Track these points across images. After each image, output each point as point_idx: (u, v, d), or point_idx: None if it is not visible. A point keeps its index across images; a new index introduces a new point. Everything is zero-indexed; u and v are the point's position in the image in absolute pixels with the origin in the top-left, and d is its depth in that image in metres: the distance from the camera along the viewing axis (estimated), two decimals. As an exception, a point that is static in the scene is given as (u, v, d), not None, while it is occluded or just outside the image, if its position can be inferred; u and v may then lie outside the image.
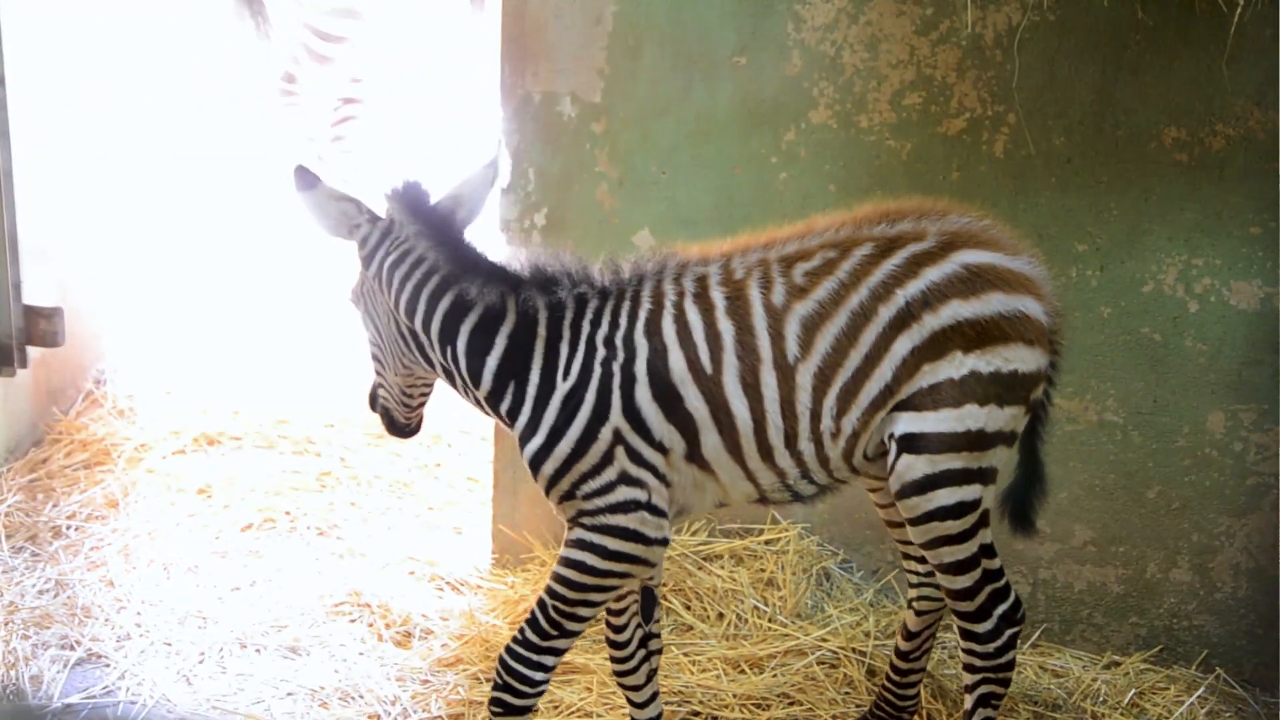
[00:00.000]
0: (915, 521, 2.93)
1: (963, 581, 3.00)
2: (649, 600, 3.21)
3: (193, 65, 7.00)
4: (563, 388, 2.88)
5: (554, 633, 2.96)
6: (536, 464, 2.91)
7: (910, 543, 3.11)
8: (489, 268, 2.93)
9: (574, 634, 2.99)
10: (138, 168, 6.03)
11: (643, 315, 2.88)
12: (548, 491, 2.95)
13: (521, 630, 2.99)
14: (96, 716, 3.52)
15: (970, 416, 2.84)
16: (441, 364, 2.99)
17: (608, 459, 2.87)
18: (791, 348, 2.83)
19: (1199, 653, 3.96)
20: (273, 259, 6.84)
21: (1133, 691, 3.79)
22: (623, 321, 2.89)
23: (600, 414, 2.86)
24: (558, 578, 2.93)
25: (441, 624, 4.01)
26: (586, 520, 2.90)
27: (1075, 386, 3.88)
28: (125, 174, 5.86)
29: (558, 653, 3.00)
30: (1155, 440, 3.88)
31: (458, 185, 3.05)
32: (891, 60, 3.80)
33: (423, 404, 3.23)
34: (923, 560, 3.18)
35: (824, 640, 3.84)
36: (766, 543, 4.15)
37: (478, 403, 3.01)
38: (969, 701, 3.13)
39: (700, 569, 4.08)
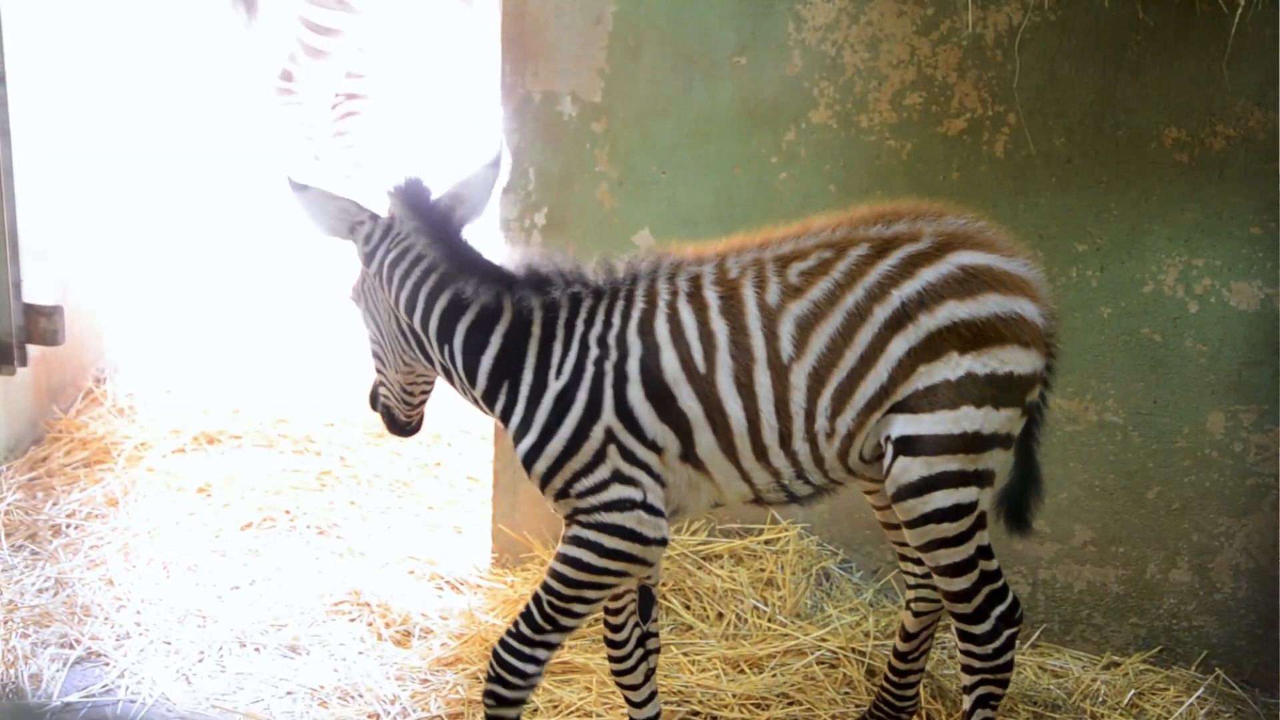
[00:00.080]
0: (912, 524, 2.93)
1: (960, 583, 2.99)
2: (647, 600, 3.21)
3: (192, 65, 6.99)
4: (555, 386, 2.88)
5: (547, 627, 2.97)
6: (529, 462, 2.92)
7: (907, 544, 3.11)
8: (485, 267, 2.94)
9: (567, 629, 2.99)
10: (138, 167, 6.03)
11: (636, 314, 2.89)
12: (542, 489, 2.95)
13: (516, 623, 3.00)
14: (96, 715, 3.52)
15: (966, 418, 2.83)
16: (440, 362, 3.00)
17: (600, 457, 2.87)
18: (786, 347, 2.83)
19: (1199, 653, 3.96)
20: (272, 258, 6.84)
21: (1132, 692, 3.79)
22: (616, 320, 2.89)
23: (592, 412, 2.86)
24: (554, 573, 2.94)
25: (441, 623, 4.01)
26: (583, 518, 2.91)
27: (1075, 387, 3.88)
28: (125, 173, 5.86)
29: (551, 646, 3.01)
30: (1155, 441, 3.88)
31: (459, 184, 3.05)
32: (892, 60, 3.80)
33: (424, 402, 3.24)
34: (920, 561, 3.18)
35: (823, 640, 3.84)
36: (766, 542, 4.15)
37: (475, 401, 3.01)
38: (967, 702, 3.13)
39: (700, 569, 4.08)
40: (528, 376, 2.90)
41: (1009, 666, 3.10)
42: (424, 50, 7.75)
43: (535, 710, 3.59)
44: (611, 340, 2.88)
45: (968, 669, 3.10)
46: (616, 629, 3.20)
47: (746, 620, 3.94)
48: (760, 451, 2.88)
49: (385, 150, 7.59)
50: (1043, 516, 3.95)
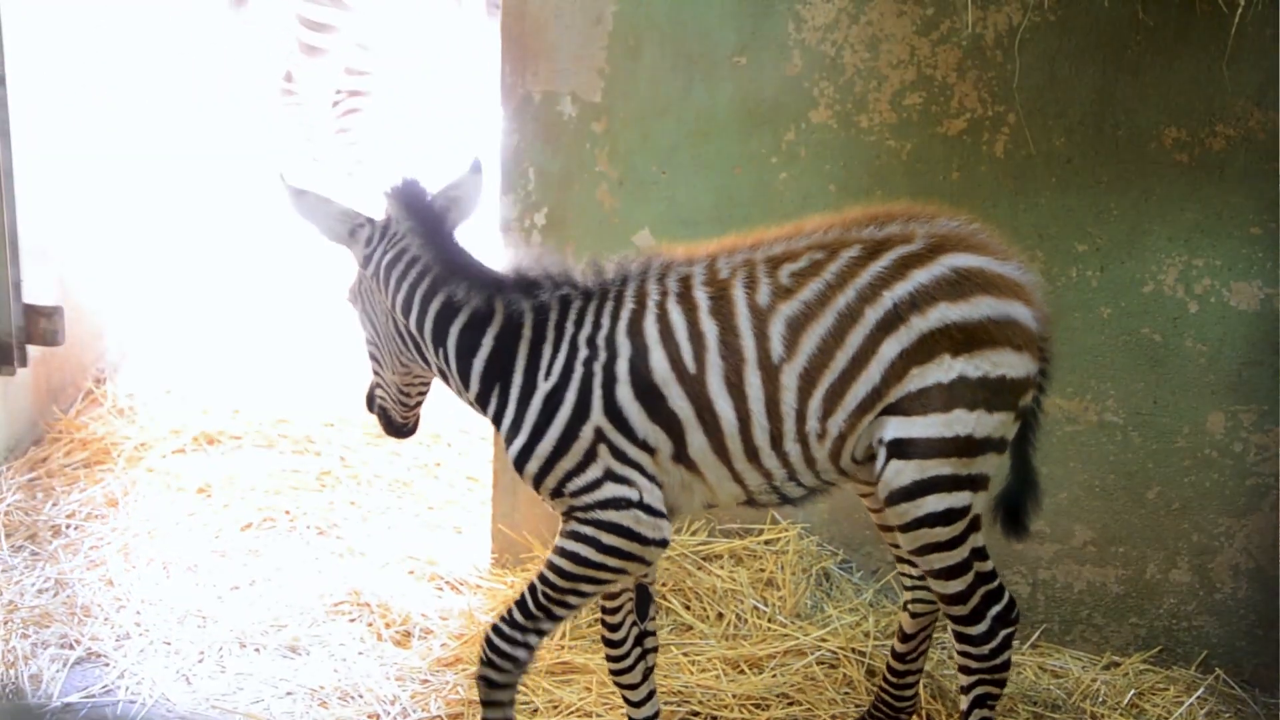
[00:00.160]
0: (905, 528, 2.92)
1: (955, 586, 2.98)
2: (644, 598, 3.21)
3: (190, 63, 7.00)
4: (544, 387, 2.89)
5: (540, 615, 2.98)
6: (520, 463, 2.93)
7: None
8: (476, 269, 2.95)
9: (559, 619, 3.01)
10: (138, 167, 6.03)
11: (625, 315, 2.89)
12: (536, 489, 2.97)
13: (510, 610, 3.01)
14: (96, 715, 3.52)
15: (959, 422, 2.82)
16: (436, 364, 3.01)
17: (590, 457, 2.87)
18: (776, 348, 2.82)
19: (1198, 653, 3.95)
20: (272, 258, 6.85)
21: (1132, 692, 3.79)
22: (605, 321, 2.89)
23: (581, 413, 2.86)
24: (551, 565, 2.95)
25: (441, 623, 4.01)
26: (580, 515, 2.92)
27: (1075, 387, 3.88)
28: (125, 173, 5.86)
29: (542, 634, 3.02)
30: (1155, 441, 3.88)
31: (448, 187, 3.06)
32: (892, 60, 3.80)
33: (420, 403, 3.25)
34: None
35: (823, 640, 3.84)
36: (766, 543, 4.15)
37: (471, 403, 3.02)
38: (965, 702, 3.13)
39: (700, 569, 4.08)
40: (518, 378, 2.91)
41: (1006, 666, 3.10)
42: (423, 49, 7.75)
43: (535, 710, 3.59)
44: (601, 341, 2.88)
45: (965, 669, 3.10)
46: (614, 628, 3.20)
47: (746, 620, 3.94)
48: (752, 452, 2.87)
49: (386, 149, 7.60)
50: (1042, 517, 3.95)
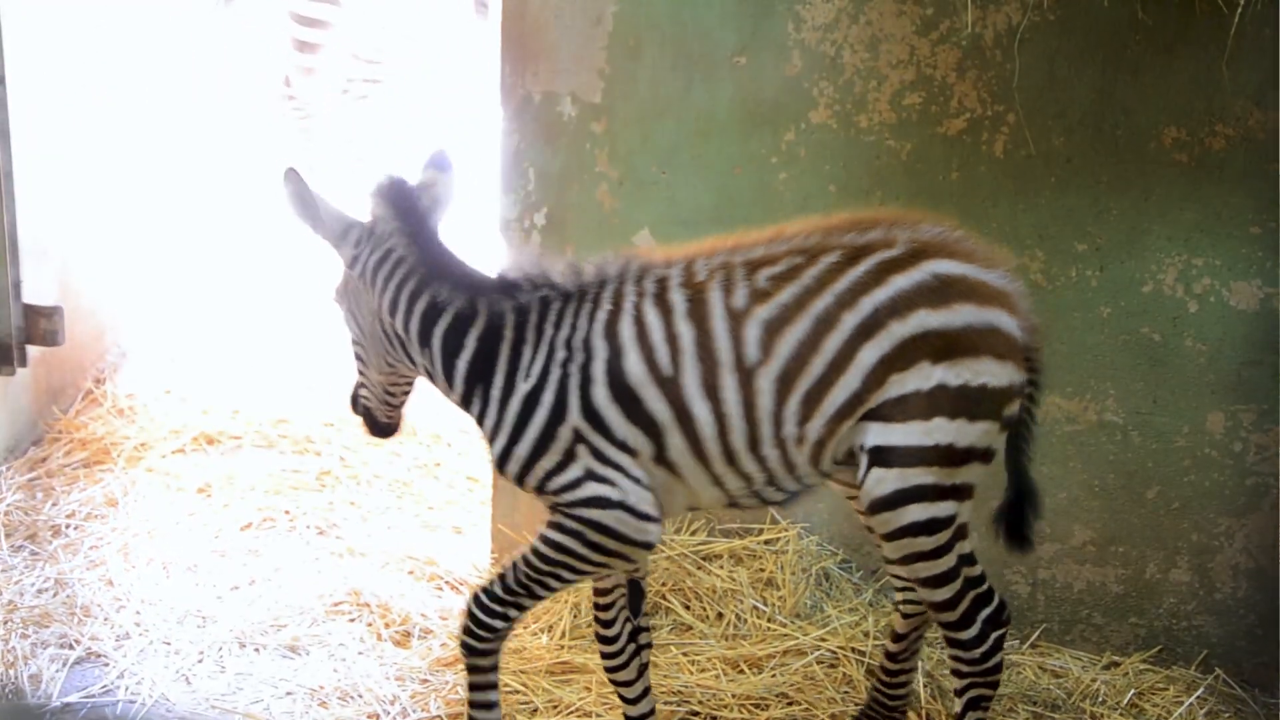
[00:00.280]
0: (888, 537, 2.90)
1: (943, 594, 2.96)
2: (636, 594, 3.22)
3: (188, 61, 7.00)
4: (523, 389, 2.90)
5: (520, 592, 3.01)
6: (501, 464, 2.95)
7: None
8: (460, 270, 2.96)
9: (538, 598, 3.03)
10: (138, 167, 6.03)
11: (601, 317, 2.88)
12: (520, 486, 2.98)
13: (492, 581, 3.04)
14: (95, 715, 3.52)
15: (940, 430, 2.79)
16: (422, 364, 3.03)
17: (570, 457, 2.88)
18: (751, 352, 2.81)
19: (1198, 653, 3.95)
20: (272, 258, 6.85)
21: (1132, 692, 3.79)
22: (582, 323, 2.89)
23: (558, 414, 2.87)
24: (535, 549, 2.97)
25: (441, 623, 4.01)
26: (565, 510, 2.93)
27: (1075, 386, 3.88)
28: (125, 173, 5.86)
29: (521, 608, 3.04)
30: (1155, 440, 3.88)
31: (423, 187, 3.07)
32: (891, 60, 3.80)
33: (404, 403, 3.27)
34: None
35: (823, 640, 3.84)
36: (766, 542, 4.15)
37: (456, 403, 3.04)
38: (959, 705, 3.11)
39: (699, 569, 4.08)
40: (499, 379, 2.92)
41: (999, 668, 3.07)
42: (421, 48, 7.76)
43: (535, 710, 3.59)
44: (578, 343, 2.88)
45: (957, 673, 3.08)
46: (607, 624, 3.21)
47: (746, 620, 3.94)
48: (730, 456, 2.86)
49: (385, 149, 7.60)
50: (1042, 517, 3.96)
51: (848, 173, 3.88)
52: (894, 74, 3.81)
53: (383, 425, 3.27)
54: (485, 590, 3.04)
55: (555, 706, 3.59)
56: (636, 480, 2.88)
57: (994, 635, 3.03)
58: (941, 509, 2.85)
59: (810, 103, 3.86)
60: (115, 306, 5.77)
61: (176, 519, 4.57)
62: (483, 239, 4.02)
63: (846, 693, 3.68)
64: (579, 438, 2.87)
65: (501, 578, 3.02)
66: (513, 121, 3.98)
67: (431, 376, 3.03)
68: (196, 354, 5.94)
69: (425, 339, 2.97)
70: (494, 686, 3.15)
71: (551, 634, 3.87)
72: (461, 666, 3.76)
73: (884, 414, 2.80)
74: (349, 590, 4.14)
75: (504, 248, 4.03)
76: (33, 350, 4.69)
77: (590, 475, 2.88)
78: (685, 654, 3.81)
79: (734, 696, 3.64)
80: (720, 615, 3.96)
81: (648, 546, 2.93)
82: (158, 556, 4.31)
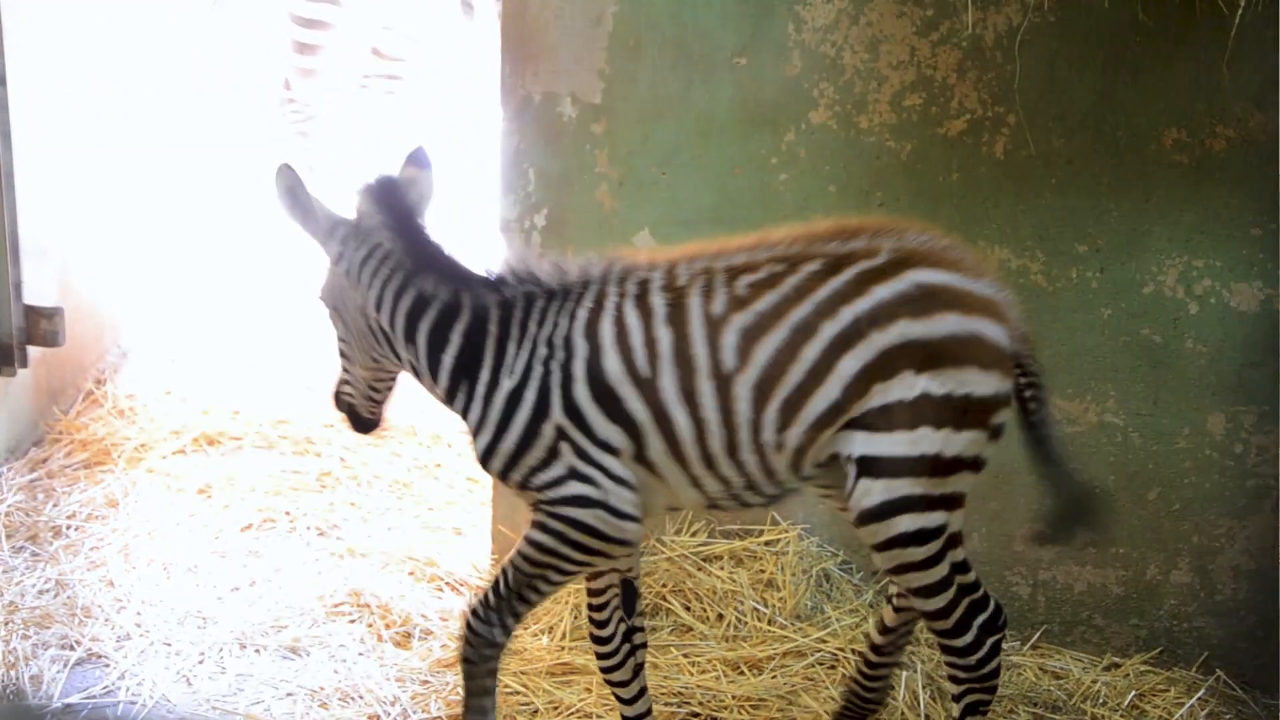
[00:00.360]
0: (878, 548, 2.88)
1: (936, 603, 2.94)
2: (630, 594, 3.21)
3: (192, 64, 7.00)
4: (506, 385, 2.90)
5: (511, 599, 3.00)
6: (485, 460, 2.95)
7: None
8: (444, 265, 2.96)
9: (530, 603, 3.02)
10: (140, 167, 6.03)
11: (583, 316, 2.89)
12: (503, 482, 2.98)
13: (484, 593, 3.04)
14: (96, 716, 3.52)
15: (925, 440, 2.77)
16: (408, 358, 3.03)
17: (553, 454, 2.88)
18: (728, 358, 2.80)
19: (1199, 655, 3.95)
20: (273, 259, 6.85)
21: (1133, 693, 3.78)
22: (564, 321, 2.89)
23: (541, 411, 2.88)
24: (520, 551, 2.97)
25: (441, 624, 4.01)
26: (546, 508, 2.93)
27: (1075, 388, 3.87)
28: (127, 173, 5.86)
29: (516, 616, 3.03)
30: (1155, 442, 3.88)
31: (407, 182, 3.07)
32: (892, 61, 3.80)
33: (386, 398, 3.28)
34: None
35: (823, 642, 3.84)
36: (766, 544, 4.15)
37: (441, 399, 3.04)
38: (957, 710, 3.10)
39: (700, 570, 4.08)
40: (484, 375, 2.93)
41: (996, 673, 3.04)
42: (423, 49, 7.76)
43: (535, 711, 3.59)
44: (559, 340, 2.88)
45: (953, 678, 3.06)
46: (601, 624, 3.21)
47: (746, 622, 3.93)
48: (708, 459, 2.86)
49: (386, 148, 7.59)
50: (1043, 518, 3.96)
51: (848, 174, 3.88)
52: (894, 75, 3.80)
53: (365, 421, 3.28)
54: (479, 601, 3.04)
55: (556, 708, 3.59)
56: (619, 479, 2.89)
57: (990, 641, 3.00)
58: (931, 519, 2.83)
59: (810, 103, 3.86)
60: (115, 307, 5.77)
61: (177, 520, 4.57)
62: (483, 239, 4.02)
63: (847, 694, 3.68)
64: (562, 435, 2.87)
65: (493, 587, 3.02)
66: (513, 122, 3.98)
67: (417, 372, 3.04)
68: (197, 355, 5.94)
69: (410, 334, 2.98)
70: (490, 702, 3.13)
71: (552, 635, 3.87)
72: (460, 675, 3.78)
73: (868, 423, 2.79)
74: (349, 591, 4.14)
75: (504, 248, 4.03)
76: (33, 351, 4.69)
77: (573, 474, 2.88)
78: (686, 655, 3.81)
79: (734, 698, 3.64)
80: (721, 616, 3.96)
81: (626, 544, 2.94)
82: (158, 557, 4.31)
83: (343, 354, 3.18)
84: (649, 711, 3.33)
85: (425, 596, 4.17)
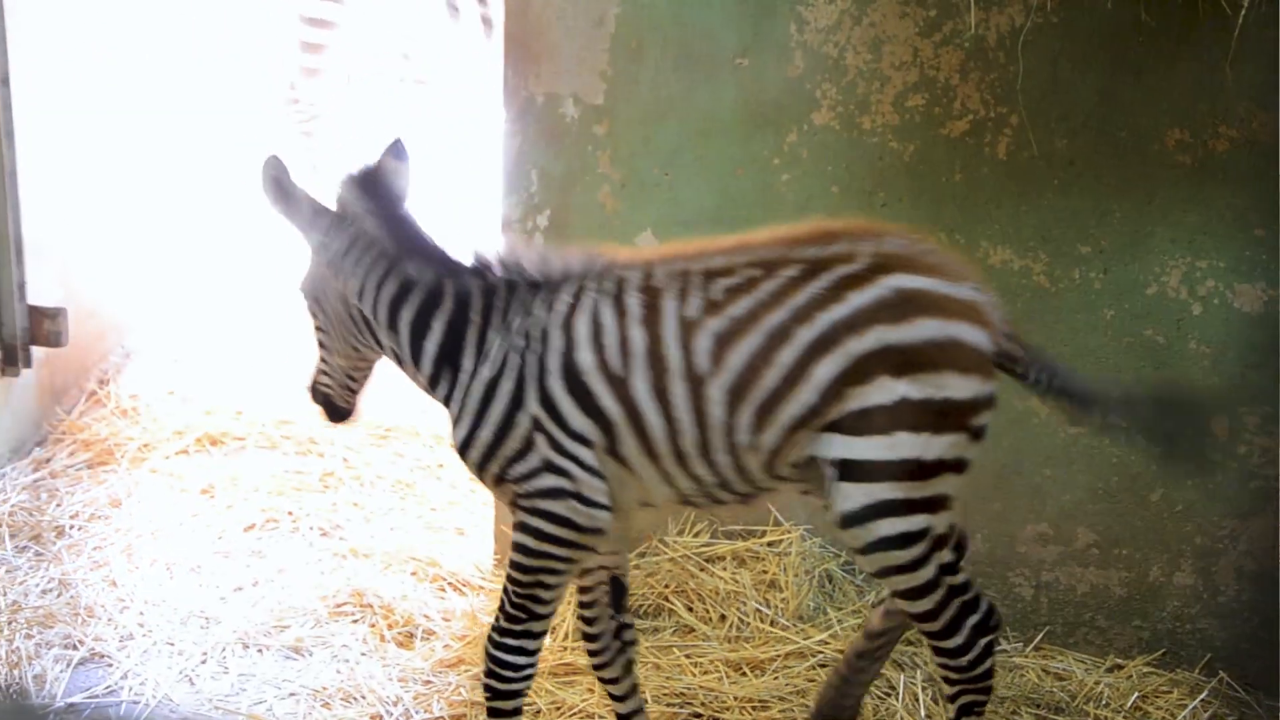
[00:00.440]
0: (860, 552, 2.87)
1: (924, 605, 2.92)
2: (618, 590, 3.21)
3: (194, 64, 7.01)
4: (484, 375, 2.91)
5: (522, 616, 2.99)
6: (463, 450, 2.95)
7: None
8: (427, 250, 2.98)
9: (542, 616, 3.00)
10: (142, 169, 6.04)
11: (561, 309, 2.89)
12: (480, 477, 2.98)
13: (496, 618, 3.04)
14: (99, 716, 3.53)
15: (903, 444, 2.75)
16: (390, 347, 3.05)
17: (529, 445, 2.89)
18: (701, 361, 2.79)
19: (1202, 656, 3.95)
20: (275, 259, 6.84)
21: (1136, 695, 3.78)
22: (542, 313, 2.90)
23: (517, 401, 2.88)
24: (510, 562, 2.98)
25: (444, 624, 4.02)
26: (523, 503, 2.94)
27: (1078, 389, 3.86)
28: (130, 175, 5.87)
29: (534, 635, 3.02)
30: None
31: (390, 174, 3.08)
32: (894, 62, 3.79)
33: (362, 388, 3.29)
34: None
35: (825, 643, 3.84)
36: (769, 544, 4.15)
37: (424, 386, 3.05)
38: (952, 711, 3.07)
39: (702, 570, 4.08)
40: (466, 364, 2.94)
41: (990, 674, 3.02)
42: (422, 50, 7.77)
43: (538, 711, 3.59)
44: (536, 332, 2.89)
45: (946, 680, 3.03)
46: (590, 622, 3.21)
47: (749, 623, 3.94)
48: (680, 458, 2.85)
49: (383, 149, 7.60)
50: (1045, 519, 3.96)
51: (850, 174, 3.88)
52: (897, 75, 3.80)
53: (341, 410, 3.30)
54: (494, 627, 3.03)
55: (558, 708, 3.60)
56: (592, 471, 2.89)
57: (982, 642, 2.97)
58: (913, 523, 2.81)
59: (813, 104, 3.86)
60: (118, 307, 5.78)
61: (180, 520, 4.58)
62: (485, 240, 4.01)
63: (849, 695, 3.68)
64: (537, 426, 2.88)
65: (501, 610, 3.02)
66: (515, 123, 3.98)
67: (399, 360, 3.05)
68: (200, 355, 5.95)
69: (393, 321, 2.99)
70: None
71: (554, 636, 3.87)
72: (463, 667, 3.78)
73: (846, 426, 2.77)
74: (352, 591, 4.14)
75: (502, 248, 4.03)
76: (37, 351, 4.70)
77: (548, 466, 2.88)
78: (688, 656, 3.81)
79: (736, 699, 3.64)
80: (723, 617, 3.96)
81: (598, 533, 2.93)
82: (161, 557, 4.31)
83: (321, 344, 3.20)
84: (640, 709, 3.33)
85: (428, 597, 4.17)
